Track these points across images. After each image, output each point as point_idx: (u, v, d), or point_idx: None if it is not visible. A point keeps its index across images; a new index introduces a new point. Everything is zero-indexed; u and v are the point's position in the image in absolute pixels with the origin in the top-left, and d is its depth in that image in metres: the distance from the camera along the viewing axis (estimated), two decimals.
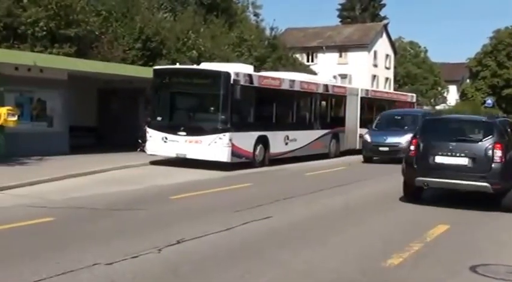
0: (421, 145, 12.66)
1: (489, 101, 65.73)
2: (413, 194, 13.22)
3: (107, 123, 25.61)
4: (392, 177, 18.84)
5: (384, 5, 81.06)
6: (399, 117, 25.53)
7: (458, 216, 11.64)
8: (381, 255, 8.00)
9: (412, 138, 13.22)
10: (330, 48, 66.47)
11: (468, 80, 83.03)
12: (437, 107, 68.80)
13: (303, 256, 7.99)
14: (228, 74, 18.62)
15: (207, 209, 11.65)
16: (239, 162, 18.95)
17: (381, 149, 23.36)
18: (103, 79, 23.80)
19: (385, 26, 70.94)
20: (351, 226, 10.32)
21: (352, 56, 66.00)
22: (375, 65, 67.21)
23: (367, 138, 24.00)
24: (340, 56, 66.91)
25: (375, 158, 23.78)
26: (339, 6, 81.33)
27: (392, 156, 22.46)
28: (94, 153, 20.85)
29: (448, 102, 77.68)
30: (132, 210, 11.34)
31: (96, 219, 10.42)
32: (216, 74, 18.95)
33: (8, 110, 18.26)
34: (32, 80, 19.59)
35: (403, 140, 21.77)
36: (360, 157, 24.30)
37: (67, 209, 11.30)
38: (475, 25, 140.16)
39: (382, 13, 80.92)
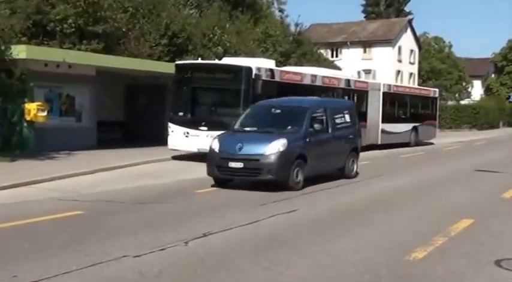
0: None
1: None
2: None
3: (133, 118, 25.92)
4: (416, 171, 18.85)
5: (409, 0, 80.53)
6: (279, 111, 15.23)
7: (482, 210, 11.61)
8: (404, 248, 8.03)
9: None
10: (354, 44, 66.23)
11: (493, 75, 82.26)
12: (462, 102, 68.22)
13: (328, 249, 8.07)
14: (249, 69, 18.65)
15: (233, 203, 11.80)
16: None
17: (231, 164, 13.40)
18: (130, 75, 24.08)
19: (410, 22, 70.39)
20: (374, 220, 10.36)
21: (376, 52, 65.66)
22: (399, 60, 66.78)
23: (215, 145, 14.01)
24: (365, 51, 66.60)
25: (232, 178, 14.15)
26: (364, 2, 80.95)
27: (248, 176, 13.67)
28: (120, 148, 21.16)
29: (472, 97, 77.00)
30: (159, 204, 11.54)
31: (124, 212, 10.62)
32: (238, 69, 19.00)
33: (37, 105, 18.70)
34: (61, 76, 19.92)
35: (270, 149, 13.32)
36: (383, 152, 23.45)
37: (96, 203, 11.55)
38: (501, 20, 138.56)
39: (406, 8, 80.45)
